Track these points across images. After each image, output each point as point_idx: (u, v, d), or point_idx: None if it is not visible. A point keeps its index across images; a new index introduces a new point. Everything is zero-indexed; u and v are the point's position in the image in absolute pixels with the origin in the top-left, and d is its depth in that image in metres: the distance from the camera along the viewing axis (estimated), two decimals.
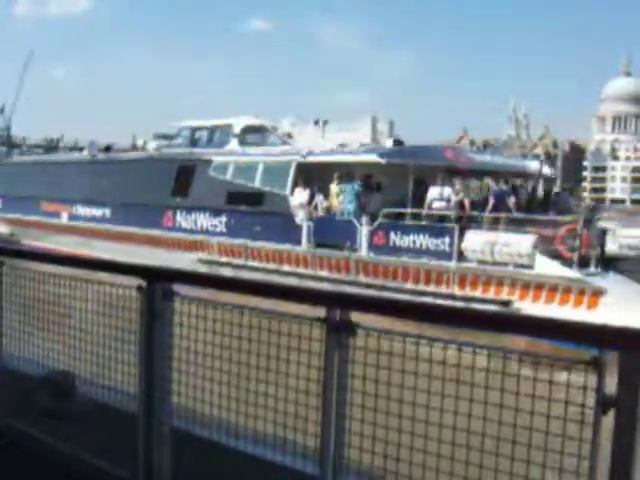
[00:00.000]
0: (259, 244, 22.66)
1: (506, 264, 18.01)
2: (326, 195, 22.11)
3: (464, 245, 18.51)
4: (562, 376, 2.75)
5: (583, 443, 2.64)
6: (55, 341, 5.36)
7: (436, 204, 20.13)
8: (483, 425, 2.99)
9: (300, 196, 22.25)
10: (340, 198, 21.49)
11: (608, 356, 2.60)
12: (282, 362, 3.72)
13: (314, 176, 22.25)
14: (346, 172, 21.87)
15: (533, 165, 25.87)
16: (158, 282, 4.26)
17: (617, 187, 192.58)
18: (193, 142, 27.76)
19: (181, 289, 4.24)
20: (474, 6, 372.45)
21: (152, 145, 31.26)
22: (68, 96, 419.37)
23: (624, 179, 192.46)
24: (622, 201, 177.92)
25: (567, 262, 17.56)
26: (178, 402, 4.30)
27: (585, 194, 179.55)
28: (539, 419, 2.82)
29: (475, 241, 18.40)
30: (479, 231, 18.76)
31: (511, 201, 20.84)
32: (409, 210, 20.13)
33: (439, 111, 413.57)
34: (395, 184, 21.57)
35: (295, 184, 22.62)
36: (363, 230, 20.31)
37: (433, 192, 20.32)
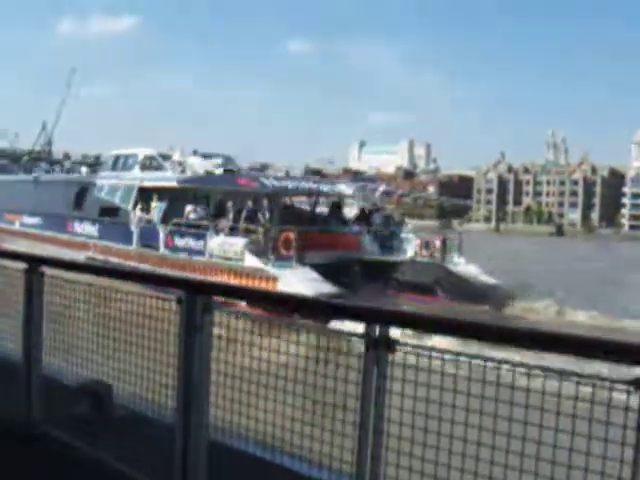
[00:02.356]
0: (114, 245, 30.65)
1: (230, 258, 25.14)
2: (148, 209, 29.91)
3: (210, 246, 26.01)
4: (604, 394, 2.74)
5: (625, 465, 2.61)
6: (94, 351, 5.42)
7: (192, 216, 27.95)
8: (522, 445, 2.97)
9: (137, 210, 30.27)
10: (155, 212, 29.36)
11: None
12: (320, 377, 3.73)
13: (152, 196, 30.00)
14: (165, 192, 29.73)
15: (326, 187, 32.30)
16: (198, 295, 4.30)
17: None
18: (114, 166, 34.70)
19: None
20: (507, 30, 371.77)
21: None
22: (109, 113, 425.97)
23: None
24: None
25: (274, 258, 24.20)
26: (215, 414, 4.31)
27: (624, 221, 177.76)
28: (580, 440, 2.79)
29: (215, 242, 25.92)
30: (217, 237, 26.16)
31: (264, 215, 27.11)
32: (182, 221, 27.87)
33: (477, 135, 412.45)
34: (202, 202, 30.01)
35: (136, 202, 30.48)
36: (161, 235, 28.18)
37: (189, 208, 28.26)
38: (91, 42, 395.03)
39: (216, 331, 4.27)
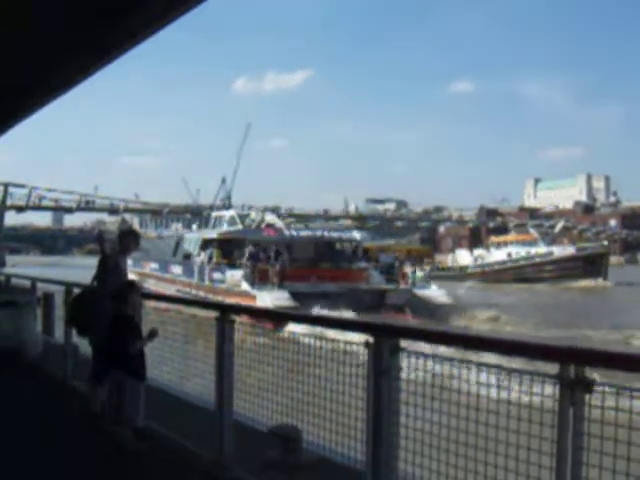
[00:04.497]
0: (187, 279, 41.08)
1: (234, 285, 35.35)
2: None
3: (226, 277, 36.73)
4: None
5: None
6: (283, 395, 5.55)
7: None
8: None
9: (201, 255, 42.24)
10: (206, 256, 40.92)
11: None
12: (513, 419, 3.65)
13: (209, 245, 41.77)
14: (215, 242, 41.41)
15: (335, 235, 43.39)
16: (386, 338, 4.32)
17: None
18: (214, 224, 48.46)
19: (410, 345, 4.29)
20: None
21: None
22: (283, 166, 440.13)
23: None
24: None
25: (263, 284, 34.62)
26: (405, 458, 4.29)
27: None
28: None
29: (228, 274, 36.48)
30: (232, 270, 36.58)
31: (264, 256, 37.00)
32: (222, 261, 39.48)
33: None
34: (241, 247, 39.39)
35: (200, 249, 42.12)
36: (206, 271, 39.11)
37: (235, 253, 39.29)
38: (266, 98, 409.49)
39: (405, 375, 4.27)
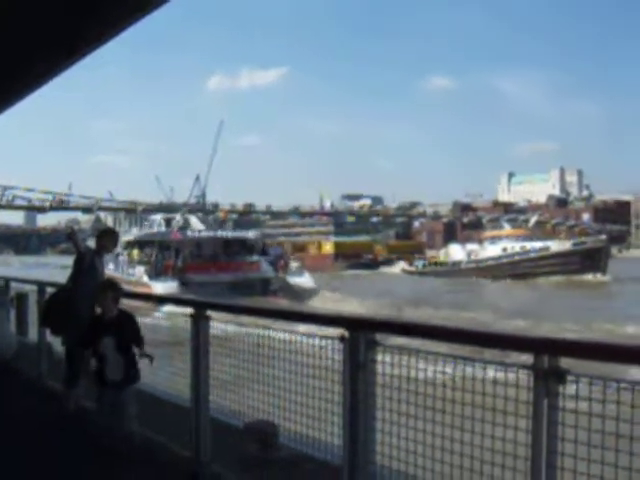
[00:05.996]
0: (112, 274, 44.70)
1: (141, 277, 45.09)
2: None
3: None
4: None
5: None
6: (259, 391, 5.53)
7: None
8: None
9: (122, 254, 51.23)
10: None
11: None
12: (488, 410, 3.66)
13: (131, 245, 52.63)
14: (135, 243, 52.68)
15: (231, 234, 54.65)
16: (361, 332, 4.32)
17: None
18: (157, 225, 56.94)
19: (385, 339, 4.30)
20: None
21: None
22: (258, 163, 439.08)
23: None
24: None
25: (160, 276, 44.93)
26: (382, 452, 4.29)
27: None
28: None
29: (137, 269, 47.45)
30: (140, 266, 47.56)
31: (168, 255, 47.99)
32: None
33: (631, 159, 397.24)
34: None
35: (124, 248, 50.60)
36: (125, 267, 49.55)
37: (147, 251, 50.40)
38: (240, 95, 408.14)
39: (380, 369, 4.27)
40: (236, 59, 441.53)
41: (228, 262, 47.68)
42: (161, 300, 9.24)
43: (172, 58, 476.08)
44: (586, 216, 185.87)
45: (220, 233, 53.43)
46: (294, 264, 52.23)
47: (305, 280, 48.03)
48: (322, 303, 41.26)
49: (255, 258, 48.98)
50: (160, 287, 40.73)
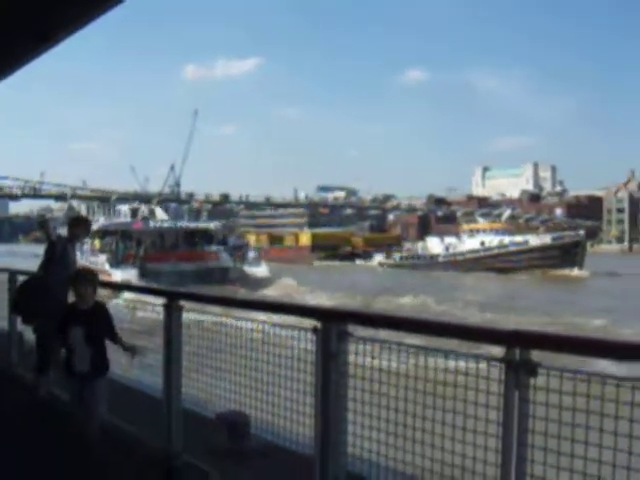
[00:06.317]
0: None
1: (102, 265, 45.98)
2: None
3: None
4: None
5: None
6: (231, 382, 5.51)
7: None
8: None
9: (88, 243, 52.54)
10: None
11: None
12: (459, 402, 3.68)
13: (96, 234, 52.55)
14: (101, 232, 53.68)
15: (192, 225, 58.84)
16: (333, 323, 4.32)
17: None
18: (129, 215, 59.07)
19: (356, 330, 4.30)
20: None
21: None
22: (233, 153, 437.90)
23: None
24: None
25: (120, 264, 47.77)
26: (354, 442, 4.30)
27: None
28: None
29: (98, 258, 49.59)
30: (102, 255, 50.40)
31: (130, 244, 51.82)
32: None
33: (604, 156, 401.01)
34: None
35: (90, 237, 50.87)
36: (88, 255, 49.27)
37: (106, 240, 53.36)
38: (216, 85, 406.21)
39: (352, 359, 4.28)
40: (212, 49, 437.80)
41: (188, 252, 50.69)
42: (136, 290, 9.16)
43: (149, 46, 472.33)
44: (559, 211, 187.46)
45: (181, 224, 57.50)
46: (251, 254, 55.09)
47: (261, 270, 51.38)
48: (276, 291, 43.66)
49: (214, 248, 52.20)
50: (120, 274, 43.18)
